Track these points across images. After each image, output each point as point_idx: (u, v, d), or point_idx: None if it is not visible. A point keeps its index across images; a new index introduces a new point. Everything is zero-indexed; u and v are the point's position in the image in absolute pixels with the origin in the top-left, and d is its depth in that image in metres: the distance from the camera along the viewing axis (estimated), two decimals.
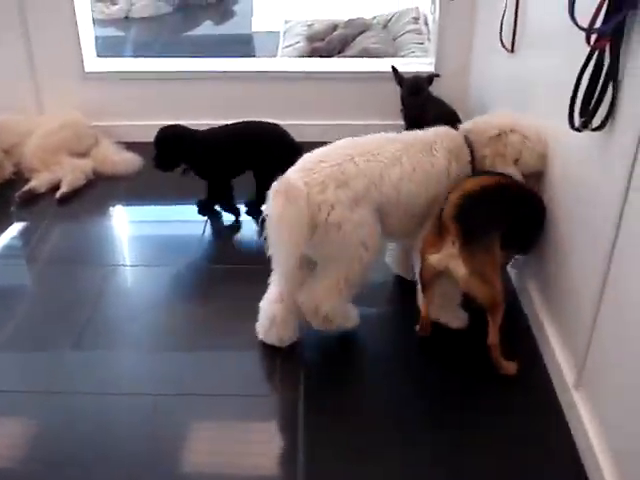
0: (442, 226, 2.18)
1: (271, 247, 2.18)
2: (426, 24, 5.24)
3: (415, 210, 2.35)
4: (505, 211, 2.28)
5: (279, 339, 2.40)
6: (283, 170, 3.05)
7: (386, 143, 2.33)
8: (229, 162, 3.14)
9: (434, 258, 2.20)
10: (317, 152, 2.31)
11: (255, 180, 3.14)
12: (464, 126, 2.51)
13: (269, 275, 2.45)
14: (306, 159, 2.30)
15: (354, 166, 2.23)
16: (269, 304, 2.41)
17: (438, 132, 2.44)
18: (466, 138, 2.44)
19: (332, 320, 2.35)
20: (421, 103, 3.22)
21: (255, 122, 3.16)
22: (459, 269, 2.15)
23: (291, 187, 2.12)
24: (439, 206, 2.24)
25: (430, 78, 3.31)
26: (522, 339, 2.43)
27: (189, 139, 3.05)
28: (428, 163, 2.34)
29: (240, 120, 3.17)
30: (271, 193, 2.13)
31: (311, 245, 2.21)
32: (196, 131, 3.10)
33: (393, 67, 3.35)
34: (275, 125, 3.14)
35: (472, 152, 2.42)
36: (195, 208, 3.24)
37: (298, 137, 3.07)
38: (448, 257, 2.17)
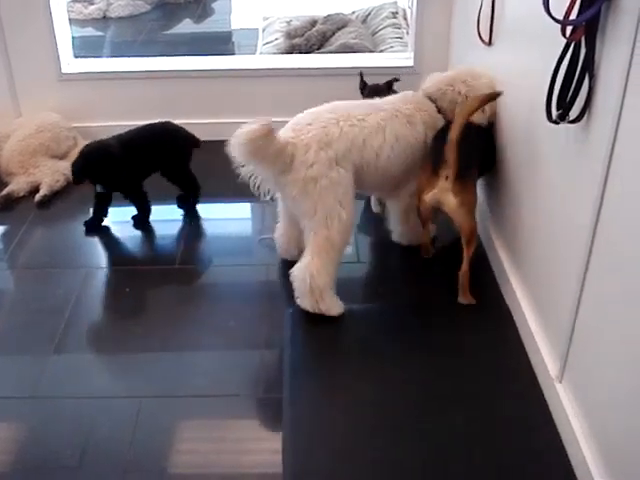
0: (439, 162, 2.44)
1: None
2: (405, 18, 5.24)
3: (392, 174, 2.59)
4: (481, 147, 2.65)
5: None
6: (187, 163, 3.18)
7: (372, 111, 2.54)
8: (141, 169, 3.12)
9: (429, 195, 2.50)
10: (308, 113, 2.51)
11: (169, 179, 3.19)
12: (429, 92, 2.71)
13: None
14: (297, 121, 2.48)
15: (338, 129, 2.43)
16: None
17: (415, 104, 2.64)
18: (437, 107, 2.68)
19: (321, 295, 2.45)
20: None
21: (147, 125, 3.16)
22: (450, 200, 2.46)
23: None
24: (415, 172, 2.59)
25: (389, 84, 3.26)
26: (505, 331, 2.43)
27: (115, 153, 2.96)
28: (410, 136, 2.58)
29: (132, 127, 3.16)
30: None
31: (291, 198, 2.44)
32: (111, 143, 3.01)
33: (360, 73, 3.35)
34: (168, 122, 3.18)
35: (445, 117, 2.67)
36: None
37: None
38: (441, 191, 2.47)
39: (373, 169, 2.52)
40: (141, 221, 3.18)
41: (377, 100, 2.67)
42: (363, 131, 2.46)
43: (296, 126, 2.45)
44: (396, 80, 3.28)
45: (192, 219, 3.25)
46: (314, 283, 2.43)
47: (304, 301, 2.48)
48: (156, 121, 3.19)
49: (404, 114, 2.58)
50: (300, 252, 2.55)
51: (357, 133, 2.45)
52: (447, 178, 2.44)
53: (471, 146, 2.50)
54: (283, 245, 2.81)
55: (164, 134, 3.15)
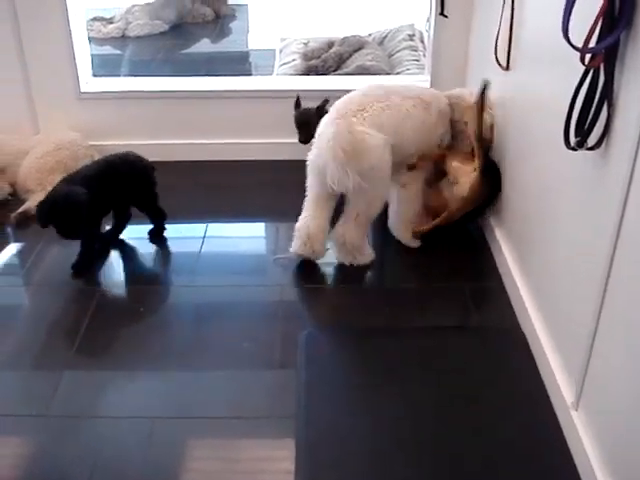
0: (472, 152, 2.83)
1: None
2: (422, 41, 5.25)
3: (407, 155, 2.89)
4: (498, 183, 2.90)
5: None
6: (154, 191, 3.12)
7: (405, 100, 2.86)
8: (103, 208, 3.02)
9: (455, 163, 2.89)
10: (348, 100, 2.83)
11: (144, 211, 3.14)
12: (448, 93, 3.08)
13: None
14: (340, 106, 2.80)
15: (384, 114, 2.76)
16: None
17: (433, 94, 3.02)
18: (450, 104, 3.03)
19: (356, 252, 2.88)
20: (310, 134, 3.00)
21: (106, 158, 3.09)
22: (463, 188, 2.80)
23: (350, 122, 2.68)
24: (423, 156, 2.94)
25: (320, 108, 3.24)
26: (520, 357, 2.41)
27: (83, 202, 2.79)
28: (428, 121, 2.92)
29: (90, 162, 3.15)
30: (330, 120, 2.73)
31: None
32: (79, 192, 2.82)
33: (297, 97, 3.33)
34: (127, 153, 3.11)
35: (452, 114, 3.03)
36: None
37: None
38: (464, 173, 2.82)
39: (398, 150, 2.78)
40: (81, 265, 2.97)
41: (406, 85, 3.11)
42: (399, 115, 2.80)
43: (340, 111, 2.73)
44: (326, 102, 3.26)
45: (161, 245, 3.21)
46: (353, 243, 2.83)
47: (344, 258, 2.90)
48: (117, 153, 3.11)
49: (424, 101, 2.91)
50: (321, 250, 2.88)
51: (395, 117, 2.78)
52: (475, 170, 2.77)
53: (497, 173, 2.86)
54: (308, 235, 2.84)
55: (125, 167, 3.05)
